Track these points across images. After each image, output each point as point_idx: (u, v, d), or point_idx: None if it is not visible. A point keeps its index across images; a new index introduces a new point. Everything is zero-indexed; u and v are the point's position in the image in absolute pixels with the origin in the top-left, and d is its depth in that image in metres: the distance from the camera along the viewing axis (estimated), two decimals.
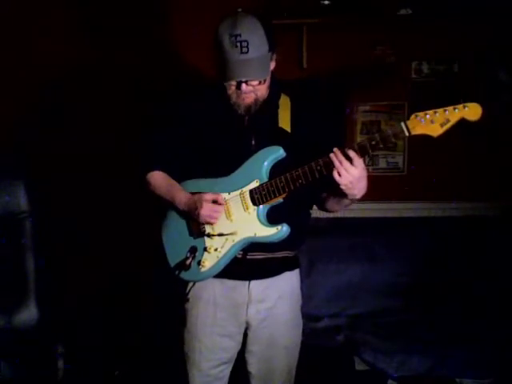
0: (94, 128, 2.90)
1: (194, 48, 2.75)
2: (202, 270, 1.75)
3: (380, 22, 2.85)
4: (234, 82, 1.65)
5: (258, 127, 1.75)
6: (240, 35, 1.57)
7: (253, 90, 1.67)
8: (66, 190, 2.86)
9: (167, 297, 2.05)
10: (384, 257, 2.92)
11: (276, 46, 1.68)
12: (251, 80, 1.64)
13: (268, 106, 1.77)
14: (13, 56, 2.90)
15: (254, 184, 1.69)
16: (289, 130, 1.77)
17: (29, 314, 2.22)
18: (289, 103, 1.80)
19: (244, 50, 1.57)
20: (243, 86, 1.64)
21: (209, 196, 1.70)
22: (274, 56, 1.71)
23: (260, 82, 1.66)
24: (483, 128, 2.63)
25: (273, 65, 1.73)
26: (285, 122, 1.77)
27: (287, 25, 2.75)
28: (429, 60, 2.99)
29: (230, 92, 1.68)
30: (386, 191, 2.90)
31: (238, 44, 1.57)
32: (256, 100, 1.70)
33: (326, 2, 2.81)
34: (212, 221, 1.72)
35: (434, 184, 3.01)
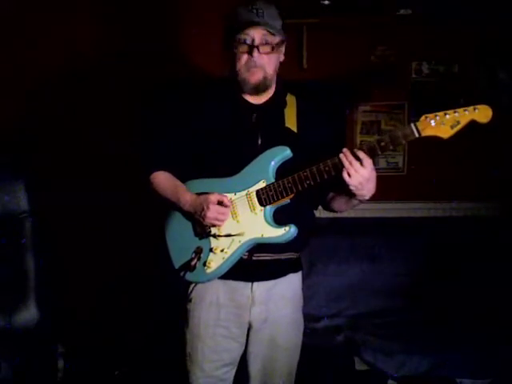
0: (94, 127, 2.90)
1: (201, 48, 2.76)
2: (208, 270, 1.73)
3: (380, 21, 2.86)
4: (245, 49, 1.65)
5: (264, 126, 1.75)
6: (256, 4, 1.64)
7: (262, 64, 1.67)
8: (66, 190, 2.86)
9: (168, 297, 2.04)
10: (384, 257, 2.92)
11: (286, 35, 1.72)
12: (260, 43, 1.64)
13: (275, 104, 1.78)
14: (13, 56, 2.90)
15: (261, 184, 1.68)
16: (295, 129, 1.76)
17: (29, 314, 2.21)
18: (295, 102, 1.80)
19: (260, 14, 1.63)
20: (255, 52, 1.64)
21: (214, 197, 1.67)
22: (284, 46, 1.74)
23: (272, 49, 1.66)
24: (483, 128, 2.64)
25: (282, 54, 1.75)
26: (291, 121, 1.77)
27: (287, 25, 2.71)
28: (429, 60, 2.99)
29: (239, 67, 1.68)
30: (386, 191, 2.88)
31: (255, 10, 1.63)
32: (264, 78, 1.69)
33: (326, 2, 2.81)
34: (218, 223, 1.70)
35: (433, 184, 3.01)
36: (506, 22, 2.79)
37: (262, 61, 1.67)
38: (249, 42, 1.65)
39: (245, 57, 1.67)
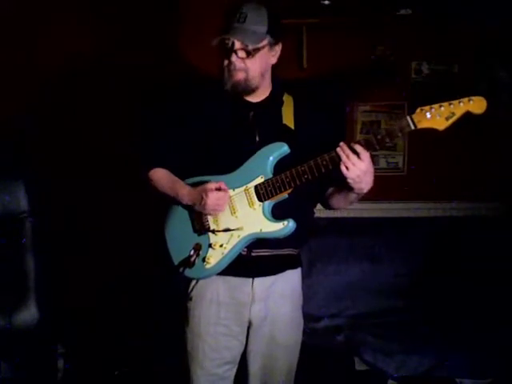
0: (94, 127, 2.90)
1: (201, 48, 2.75)
2: (207, 266, 1.74)
3: (380, 21, 2.86)
4: (226, 53, 1.67)
5: (262, 123, 1.77)
6: (242, 9, 1.66)
7: (244, 68, 1.69)
8: (65, 190, 2.86)
9: (168, 296, 2.05)
10: (384, 257, 2.92)
11: (280, 38, 1.73)
12: (238, 48, 1.66)
13: (272, 103, 1.79)
14: (13, 55, 2.90)
15: (259, 180, 1.69)
16: (292, 127, 1.78)
17: (29, 314, 2.21)
18: (292, 101, 1.82)
19: (241, 20, 1.65)
20: (233, 56, 1.67)
21: (212, 185, 1.69)
22: (277, 47, 1.74)
23: (249, 55, 1.67)
24: (483, 128, 2.65)
25: (274, 57, 1.75)
26: (288, 119, 1.79)
27: (287, 25, 2.73)
28: (429, 60, 2.99)
29: (222, 67, 1.71)
30: (385, 191, 2.90)
31: (238, 15, 1.66)
32: (246, 79, 1.71)
33: (326, 2, 2.81)
34: (219, 208, 1.71)
35: (434, 184, 3.01)
36: (506, 21, 2.79)
37: (241, 64, 1.69)
38: (228, 46, 1.68)
39: (226, 59, 1.70)
